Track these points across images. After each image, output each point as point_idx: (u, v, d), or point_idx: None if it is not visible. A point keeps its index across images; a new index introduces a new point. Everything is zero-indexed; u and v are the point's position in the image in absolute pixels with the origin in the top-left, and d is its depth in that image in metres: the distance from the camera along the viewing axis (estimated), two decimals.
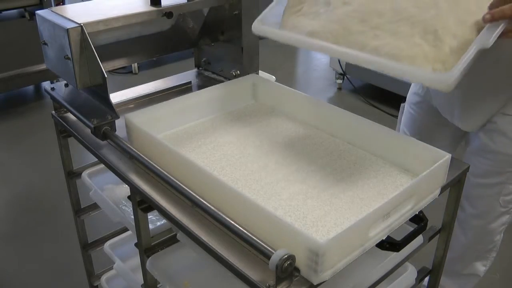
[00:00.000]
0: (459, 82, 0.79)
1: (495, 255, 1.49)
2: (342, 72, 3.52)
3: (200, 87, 1.43)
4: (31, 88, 3.79)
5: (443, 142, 1.41)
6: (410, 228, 0.90)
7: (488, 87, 1.21)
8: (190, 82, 1.45)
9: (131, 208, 1.11)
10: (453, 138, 1.42)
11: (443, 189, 0.96)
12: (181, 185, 0.90)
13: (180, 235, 1.01)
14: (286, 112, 1.21)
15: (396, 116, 1.64)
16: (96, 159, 1.16)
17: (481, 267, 1.50)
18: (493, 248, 1.46)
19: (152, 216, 1.14)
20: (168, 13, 1.24)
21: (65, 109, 1.28)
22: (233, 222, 0.81)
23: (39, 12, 1.18)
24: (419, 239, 1.03)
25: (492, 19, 0.82)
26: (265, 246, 0.75)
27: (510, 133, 1.23)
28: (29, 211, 2.46)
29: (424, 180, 0.88)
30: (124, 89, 1.41)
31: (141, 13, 1.22)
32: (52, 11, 1.17)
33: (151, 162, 0.97)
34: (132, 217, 1.07)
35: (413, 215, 0.90)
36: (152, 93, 1.39)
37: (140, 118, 1.06)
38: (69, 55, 1.09)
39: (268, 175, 1.00)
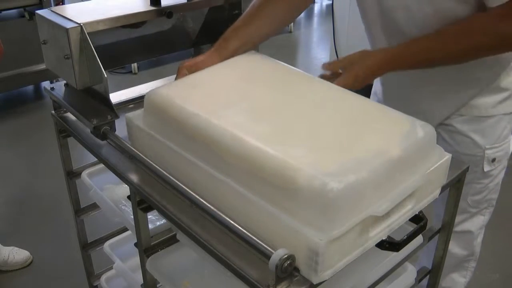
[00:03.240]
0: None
1: (474, 265, 1.44)
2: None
3: None
4: (30, 88, 3.79)
5: None
6: (410, 228, 0.90)
7: (437, 92, 1.22)
8: None
9: (131, 208, 1.11)
10: None
11: (443, 189, 0.96)
12: (180, 185, 0.90)
13: (179, 235, 1.01)
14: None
15: None
16: (96, 159, 1.16)
17: (460, 279, 1.44)
18: (472, 257, 1.41)
19: (151, 216, 1.14)
20: (168, 13, 1.24)
21: (64, 109, 1.28)
22: (232, 222, 0.81)
23: (38, 12, 1.18)
24: (418, 239, 1.03)
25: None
26: (265, 246, 0.75)
27: (469, 132, 1.23)
28: (29, 211, 2.46)
29: (424, 180, 0.88)
30: (124, 89, 1.41)
31: (141, 13, 1.22)
32: (51, 11, 1.17)
33: (151, 162, 0.97)
34: (132, 217, 1.07)
35: (413, 215, 0.90)
36: None
37: (140, 118, 1.06)
38: (69, 55, 1.09)
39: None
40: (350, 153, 0.82)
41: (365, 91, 1.12)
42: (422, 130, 0.89)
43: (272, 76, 1.10)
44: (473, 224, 1.36)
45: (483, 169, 1.25)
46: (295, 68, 1.14)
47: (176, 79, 1.15)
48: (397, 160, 0.83)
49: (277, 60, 1.16)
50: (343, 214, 0.75)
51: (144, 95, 1.36)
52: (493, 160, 1.26)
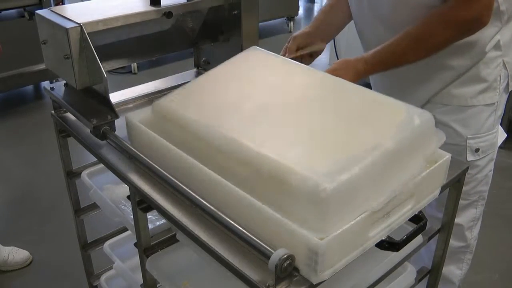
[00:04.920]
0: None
1: (470, 257, 1.46)
2: None
3: None
4: (30, 88, 3.79)
5: None
6: (410, 228, 0.90)
7: (412, 78, 1.29)
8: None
9: (131, 208, 1.11)
10: None
11: (442, 188, 0.96)
12: (180, 185, 0.90)
13: (179, 235, 1.01)
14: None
15: None
16: (96, 159, 1.16)
17: (456, 271, 1.46)
18: (467, 249, 1.43)
19: (151, 215, 1.14)
20: (168, 13, 1.24)
21: (64, 109, 1.28)
22: (232, 222, 0.81)
23: (38, 11, 1.18)
24: (418, 239, 1.03)
25: None
26: (265, 246, 0.75)
27: (451, 122, 1.29)
28: (29, 211, 2.46)
29: (424, 180, 0.88)
30: (124, 88, 1.41)
31: (141, 13, 1.22)
32: (51, 10, 1.17)
33: (151, 162, 0.97)
34: (132, 217, 1.07)
35: (412, 215, 0.90)
36: (152, 93, 1.39)
37: (140, 118, 1.06)
38: (69, 55, 1.09)
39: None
40: (344, 150, 0.83)
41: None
42: (418, 118, 0.89)
43: (270, 73, 1.11)
44: (464, 217, 1.37)
45: (466, 159, 1.29)
46: (292, 61, 1.15)
47: (287, 47, 1.34)
48: (393, 153, 0.83)
49: (276, 54, 1.17)
50: (338, 212, 0.75)
51: (144, 94, 1.38)
52: (477, 150, 1.30)
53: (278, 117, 0.94)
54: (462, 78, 1.25)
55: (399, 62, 1.18)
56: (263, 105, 0.99)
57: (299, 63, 1.15)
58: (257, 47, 1.20)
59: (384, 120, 0.91)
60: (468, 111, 1.27)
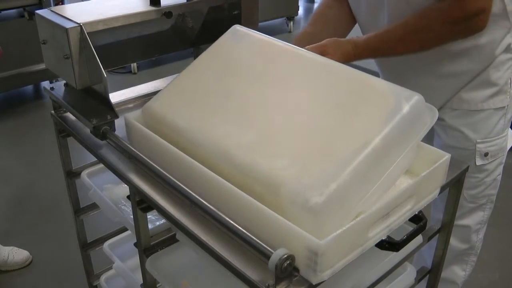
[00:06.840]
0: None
1: (475, 259, 1.45)
2: None
3: None
4: (30, 87, 3.78)
5: None
6: (410, 227, 0.90)
7: (423, 85, 1.24)
8: None
9: (130, 208, 1.11)
10: None
11: (442, 188, 0.96)
12: (180, 184, 0.90)
13: (179, 235, 1.01)
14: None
15: None
16: (96, 159, 1.16)
17: (459, 272, 1.46)
18: (472, 251, 1.43)
19: (151, 215, 1.14)
20: (168, 12, 1.24)
21: (64, 109, 1.28)
22: (232, 222, 0.81)
23: (38, 11, 1.18)
24: (418, 239, 1.03)
25: None
26: (265, 246, 0.75)
27: (460, 126, 1.27)
28: (29, 211, 2.46)
29: (423, 180, 0.88)
30: (124, 88, 1.41)
31: (141, 13, 1.22)
32: (51, 10, 1.17)
33: (151, 162, 0.97)
34: (132, 217, 1.07)
35: (412, 215, 0.90)
36: (152, 92, 1.39)
37: (139, 118, 1.06)
38: (69, 55, 1.09)
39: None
40: (332, 152, 0.83)
41: None
42: (407, 103, 0.86)
43: (254, 59, 1.09)
44: (472, 219, 1.37)
45: (475, 163, 1.27)
46: (277, 41, 1.11)
47: None
48: (381, 148, 0.82)
49: (258, 33, 1.13)
50: (333, 218, 0.76)
51: (144, 94, 1.38)
52: (486, 154, 1.28)
53: (265, 113, 0.94)
54: (473, 83, 1.24)
55: (391, 51, 1.16)
56: (249, 100, 0.98)
57: (285, 42, 1.10)
58: (239, 26, 1.16)
59: (372, 110, 0.88)
60: (478, 115, 1.26)
